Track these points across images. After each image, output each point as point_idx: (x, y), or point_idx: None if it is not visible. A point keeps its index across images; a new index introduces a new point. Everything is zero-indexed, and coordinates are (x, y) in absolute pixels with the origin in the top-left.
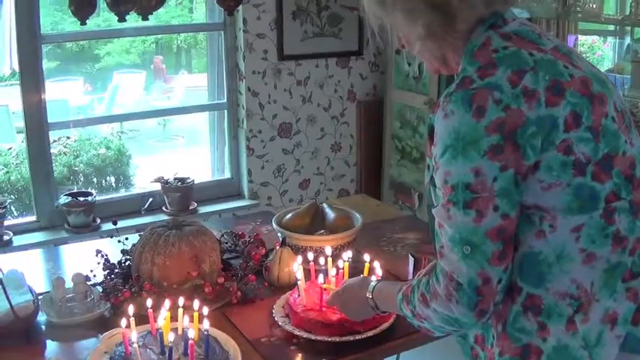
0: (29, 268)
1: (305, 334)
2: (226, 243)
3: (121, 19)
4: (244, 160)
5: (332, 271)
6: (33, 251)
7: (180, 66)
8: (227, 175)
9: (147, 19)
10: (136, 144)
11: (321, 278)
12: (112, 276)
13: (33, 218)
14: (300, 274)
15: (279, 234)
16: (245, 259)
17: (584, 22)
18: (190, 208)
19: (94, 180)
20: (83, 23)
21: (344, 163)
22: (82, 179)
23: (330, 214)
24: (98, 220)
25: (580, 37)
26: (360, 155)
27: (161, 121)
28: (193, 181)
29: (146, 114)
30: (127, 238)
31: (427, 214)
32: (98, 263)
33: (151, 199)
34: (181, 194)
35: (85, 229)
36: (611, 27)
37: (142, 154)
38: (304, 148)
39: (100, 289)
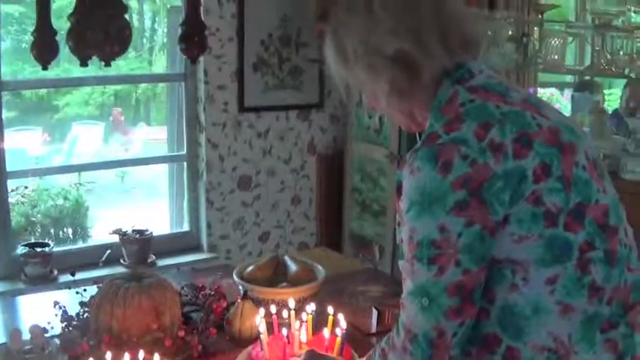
0: None
1: None
2: (186, 296)
3: (84, 64)
4: (203, 213)
5: (295, 324)
6: None
7: (139, 118)
8: (186, 227)
9: (109, 65)
10: (93, 196)
11: (284, 331)
12: (70, 328)
13: None
14: (262, 327)
15: (240, 287)
16: (206, 312)
17: (545, 72)
18: (149, 260)
19: (52, 231)
20: (45, 68)
21: (304, 217)
22: (39, 230)
23: (292, 267)
24: (55, 272)
25: (539, 89)
26: (320, 208)
27: (119, 173)
28: (152, 233)
29: (105, 164)
30: (85, 290)
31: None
32: (56, 315)
33: (108, 251)
34: (139, 246)
35: (42, 281)
36: (569, 79)
37: (100, 207)
38: (264, 200)
39: (57, 341)
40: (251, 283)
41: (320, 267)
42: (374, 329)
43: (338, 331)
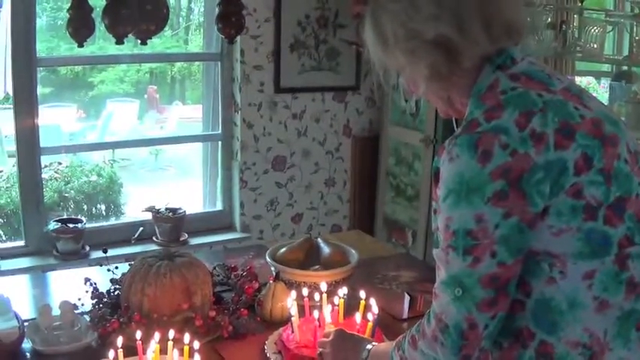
0: (16, 293)
1: None
2: (218, 276)
3: (120, 42)
4: (237, 193)
5: (327, 308)
6: (20, 276)
7: (174, 97)
8: (219, 207)
9: (145, 44)
10: (127, 173)
11: (316, 314)
12: (101, 305)
13: (21, 243)
14: (294, 309)
15: (272, 268)
16: (237, 293)
17: (583, 61)
18: (181, 239)
19: (85, 207)
20: (80, 45)
21: (337, 199)
22: (72, 206)
23: (325, 250)
24: (87, 248)
25: (576, 78)
26: (353, 191)
27: (153, 151)
28: (185, 211)
29: (140, 142)
30: (116, 267)
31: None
32: (86, 292)
33: (141, 229)
34: (172, 225)
35: (74, 257)
36: (606, 68)
37: (134, 184)
38: (298, 182)
39: (87, 318)
40: (283, 265)
41: (353, 250)
42: (406, 315)
43: (369, 316)
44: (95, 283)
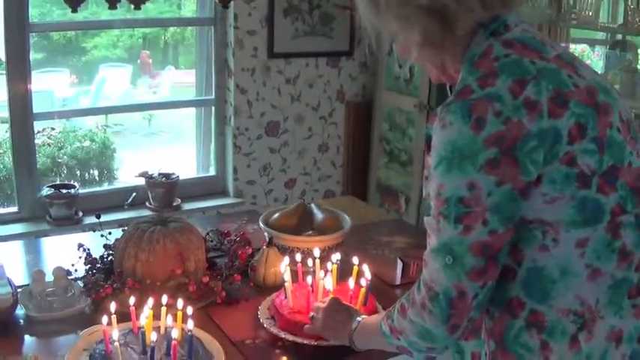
0: (9, 259)
1: (291, 337)
2: (211, 241)
3: (112, 7)
4: (230, 158)
5: (320, 273)
6: (13, 242)
7: (167, 62)
8: (212, 172)
9: (139, 8)
10: (120, 138)
11: (309, 280)
12: (94, 271)
13: (14, 209)
14: (287, 275)
15: (265, 233)
16: (231, 258)
17: (578, 28)
18: (174, 204)
19: (78, 173)
20: (74, 10)
21: (331, 164)
22: (65, 171)
23: (319, 215)
24: (80, 214)
25: (570, 45)
26: (347, 157)
27: (146, 116)
28: (178, 177)
29: (133, 107)
30: (110, 233)
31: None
32: (80, 257)
33: (134, 194)
34: (165, 190)
35: (67, 222)
36: (600, 36)
37: (127, 149)
38: (291, 147)
39: (81, 284)
40: (277, 231)
41: (346, 216)
42: (398, 281)
43: (362, 282)
44: (88, 249)
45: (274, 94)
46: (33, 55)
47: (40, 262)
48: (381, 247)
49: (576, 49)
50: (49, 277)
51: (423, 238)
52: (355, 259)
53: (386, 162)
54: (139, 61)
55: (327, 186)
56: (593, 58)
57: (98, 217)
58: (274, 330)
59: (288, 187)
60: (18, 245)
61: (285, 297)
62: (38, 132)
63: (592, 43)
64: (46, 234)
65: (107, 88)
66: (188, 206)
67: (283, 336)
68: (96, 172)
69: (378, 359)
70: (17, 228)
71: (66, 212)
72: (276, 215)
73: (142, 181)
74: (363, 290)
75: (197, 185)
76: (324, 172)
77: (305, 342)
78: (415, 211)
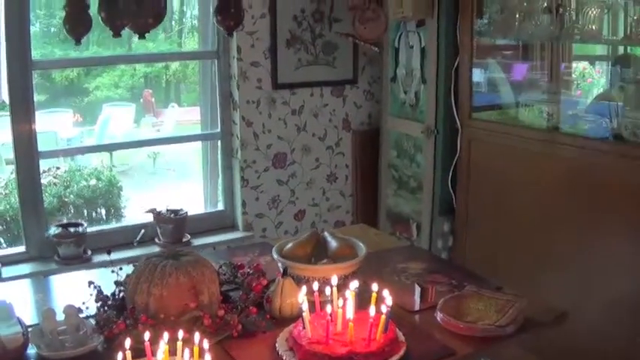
0: (18, 299)
1: None
2: (224, 275)
3: (116, 35)
4: (238, 191)
5: (338, 302)
6: (21, 281)
7: (170, 100)
8: (220, 207)
9: (143, 37)
10: (126, 178)
11: (328, 309)
12: (106, 308)
13: (22, 249)
14: (305, 305)
15: (279, 264)
16: (245, 291)
17: (582, 43)
18: (184, 240)
19: (85, 212)
20: (78, 42)
21: (339, 194)
22: (72, 211)
23: (333, 243)
24: (89, 252)
25: (573, 63)
26: (355, 185)
27: (151, 155)
28: (187, 212)
29: (139, 143)
30: (120, 269)
31: None
32: (90, 295)
33: (143, 231)
34: (174, 226)
35: (76, 261)
36: (600, 51)
37: (133, 189)
38: (299, 178)
39: (92, 321)
40: (291, 261)
41: (360, 243)
42: (417, 307)
43: (383, 309)
44: (99, 286)
45: (280, 125)
46: (36, 97)
47: (49, 301)
48: (397, 273)
49: (578, 67)
50: (60, 316)
51: (437, 263)
52: (375, 286)
53: (395, 189)
54: (141, 100)
55: (336, 216)
56: (595, 75)
57: (109, 252)
58: None
59: (297, 219)
60: (27, 284)
61: (304, 327)
62: (44, 172)
63: (593, 60)
64: (54, 273)
65: (111, 127)
66: (198, 242)
67: None
68: (103, 211)
69: None
70: (25, 268)
71: (74, 251)
72: (290, 245)
73: (150, 218)
74: (383, 317)
75: (206, 220)
76: (333, 202)
77: None
78: (427, 238)
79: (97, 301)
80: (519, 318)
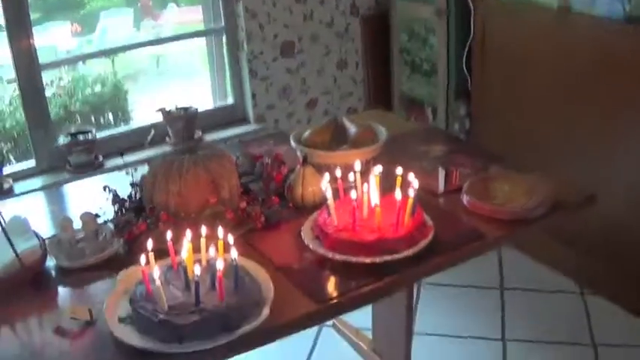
0: (32, 212)
1: (340, 257)
2: (242, 166)
3: None
4: (247, 84)
5: (363, 187)
6: (35, 194)
7: (168, 0)
8: (230, 101)
9: None
10: (130, 82)
11: (353, 194)
12: (123, 211)
13: (32, 163)
14: (329, 192)
15: (298, 152)
16: (265, 181)
17: None
18: (195, 137)
19: (92, 118)
20: None
21: (351, 81)
22: (79, 119)
23: (352, 129)
24: (100, 158)
25: None
26: (367, 72)
27: (154, 57)
28: (197, 108)
29: (141, 44)
30: (135, 170)
31: None
32: (107, 199)
33: (153, 131)
34: (185, 123)
35: (88, 168)
36: None
37: (139, 92)
38: (309, 67)
39: (111, 225)
40: (311, 148)
41: (381, 127)
42: (442, 189)
43: (410, 192)
44: (115, 190)
45: (286, 14)
46: (32, 16)
47: (65, 211)
48: (419, 156)
49: None
50: (77, 225)
51: (458, 144)
52: (399, 169)
53: (408, 74)
54: (139, 4)
55: (349, 103)
56: None
57: (122, 155)
58: (321, 251)
59: (309, 108)
60: (40, 197)
61: (329, 215)
62: (46, 84)
63: None
64: (67, 182)
65: (110, 35)
66: (210, 137)
67: (331, 256)
68: (111, 116)
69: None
70: (37, 182)
71: (86, 158)
72: (307, 133)
73: (159, 118)
74: (411, 200)
75: (216, 115)
76: (345, 90)
77: (355, 260)
78: (443, 122)
79: (113, 204)
80: (548, 200)
